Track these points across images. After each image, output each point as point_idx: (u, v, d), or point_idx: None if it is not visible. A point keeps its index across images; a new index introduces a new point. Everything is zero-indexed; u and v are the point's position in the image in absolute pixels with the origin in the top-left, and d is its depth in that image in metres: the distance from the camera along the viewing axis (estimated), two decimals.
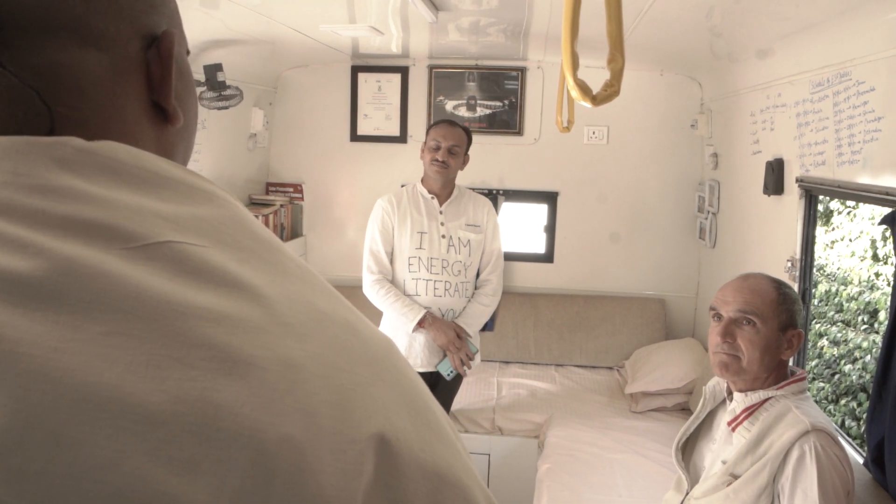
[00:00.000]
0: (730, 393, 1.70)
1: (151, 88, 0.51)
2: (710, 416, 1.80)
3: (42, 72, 0.45)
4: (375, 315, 2.94)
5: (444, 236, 2.87)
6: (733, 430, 1.64)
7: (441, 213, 2.89)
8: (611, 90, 0.98)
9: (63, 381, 0.32)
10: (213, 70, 2.91)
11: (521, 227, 4.14)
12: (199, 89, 2.95)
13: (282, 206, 3.94)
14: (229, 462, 0.33)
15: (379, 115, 4.05)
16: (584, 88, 0.97)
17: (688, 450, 1.82)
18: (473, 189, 3.84)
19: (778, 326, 1.61)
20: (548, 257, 4.08)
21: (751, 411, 1.61)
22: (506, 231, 4.02)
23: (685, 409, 3.32)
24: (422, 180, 2.93)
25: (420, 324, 2.80)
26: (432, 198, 2.89)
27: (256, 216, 3.64)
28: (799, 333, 1.63)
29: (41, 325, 0.34)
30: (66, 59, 0.46)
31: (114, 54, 0.48)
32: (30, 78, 0.45)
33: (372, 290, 2.88)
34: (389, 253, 2.91)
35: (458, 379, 3.04)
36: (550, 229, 4.05)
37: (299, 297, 0.42)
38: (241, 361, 0.36)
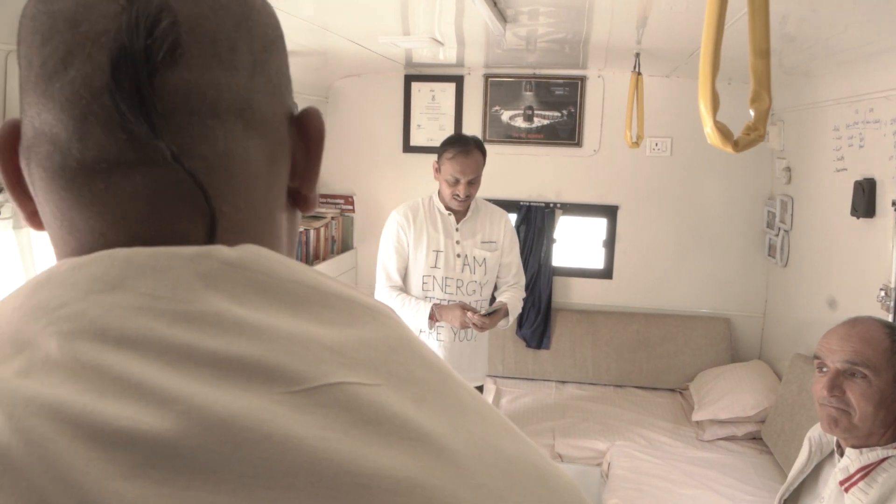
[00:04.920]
0: (839, 447, 1.55)
1: (293, 174, 0.45)
2: (816, 470, 1.65)
3: (212, 164, 0.38)
4: None
5: (459, 255, 2.74)
6: (846, 490, 1.49)
7: (457, 230, 2.75)
8: (755, 134, 0.85)
9: None
10: None
11: (580, 242, 3.99)
12: None
13: (332, 218, 3.87)
14: None
15: (433, 125, 3.93)
16: (724, 133, 0.84)
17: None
18: (531, 204, 3.72)
19: (894, 378, 1.45)
20: (607, 273, 3.92)
21: (867, 471, 1.46)
22: (564, 246, 3.89)
23: (756, 439, 3.14)
24: (438, 193, 2.79)
25: (431, 317, 2.66)
26: (449, 214, 2.76)
27: (307, 229, 3.56)
28: None
29: None
30: (235, 147, 0.39)
31: (271, 139, 0.42)
32: (201, 172, 0.38)
33: (384, 295, 2.77)
34: (403, 270, 2.79)
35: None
36: (610, 244, 3.89)
37: (484, 442, 0.37)
38: None
